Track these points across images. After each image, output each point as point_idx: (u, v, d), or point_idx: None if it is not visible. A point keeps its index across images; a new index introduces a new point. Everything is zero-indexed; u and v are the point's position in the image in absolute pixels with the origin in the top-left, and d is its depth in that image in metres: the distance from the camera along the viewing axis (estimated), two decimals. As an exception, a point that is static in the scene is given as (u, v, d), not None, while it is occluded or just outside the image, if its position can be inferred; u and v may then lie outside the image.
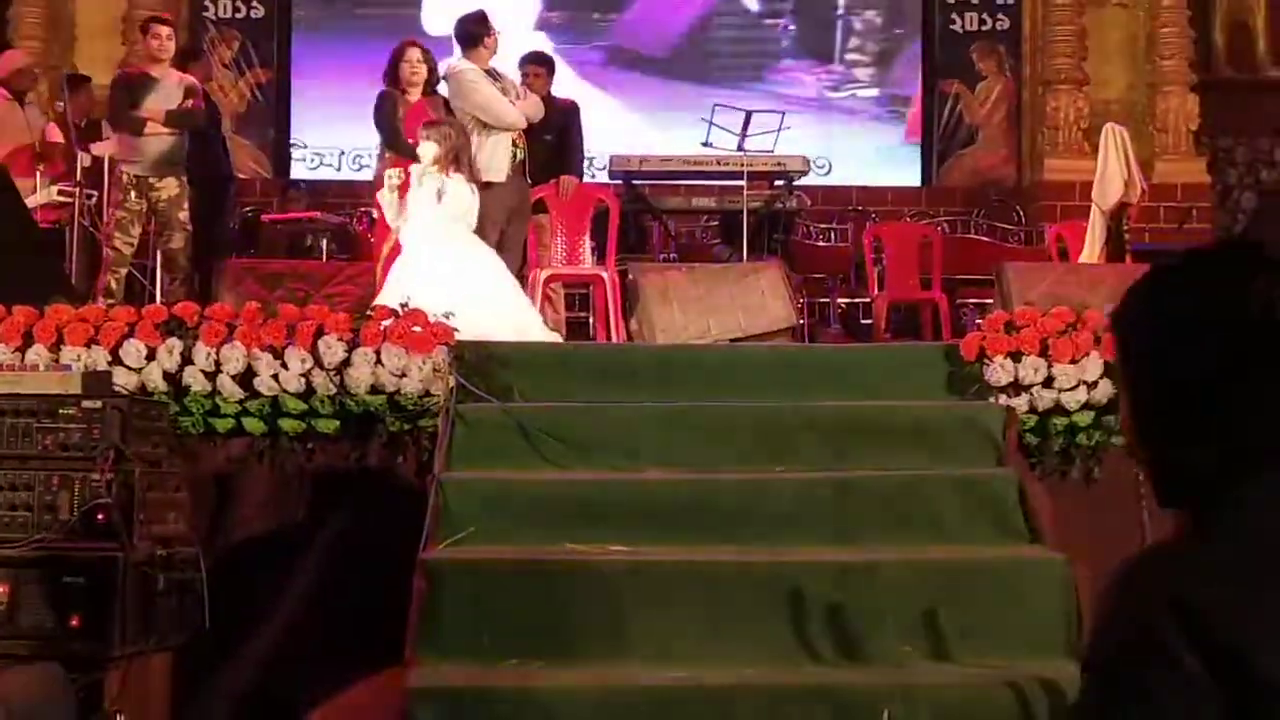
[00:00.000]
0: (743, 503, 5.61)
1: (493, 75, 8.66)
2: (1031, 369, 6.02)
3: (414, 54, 8.55)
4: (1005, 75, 13.11)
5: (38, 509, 4.78)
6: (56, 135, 9.68)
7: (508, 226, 8.36)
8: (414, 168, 7.64)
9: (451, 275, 7.10)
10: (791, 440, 5.93)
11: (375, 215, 8.73)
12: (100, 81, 10.56)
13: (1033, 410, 6.01)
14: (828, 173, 12.71)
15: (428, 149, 7.60)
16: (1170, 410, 1.70)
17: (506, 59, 9.15)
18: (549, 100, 9.21)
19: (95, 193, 9.19)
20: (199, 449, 5.93)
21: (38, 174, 9.17)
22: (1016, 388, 6.03)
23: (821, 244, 11.94)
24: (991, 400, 6.05)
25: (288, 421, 5.94)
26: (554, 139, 9.11)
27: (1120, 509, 5.58)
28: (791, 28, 13.47)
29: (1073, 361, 6.03)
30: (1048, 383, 6.01)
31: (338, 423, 5.94)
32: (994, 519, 5.53)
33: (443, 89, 8.68)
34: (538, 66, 9.32)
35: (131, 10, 12.11)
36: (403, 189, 7.64)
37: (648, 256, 10.65)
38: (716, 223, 11.53)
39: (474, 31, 8.56)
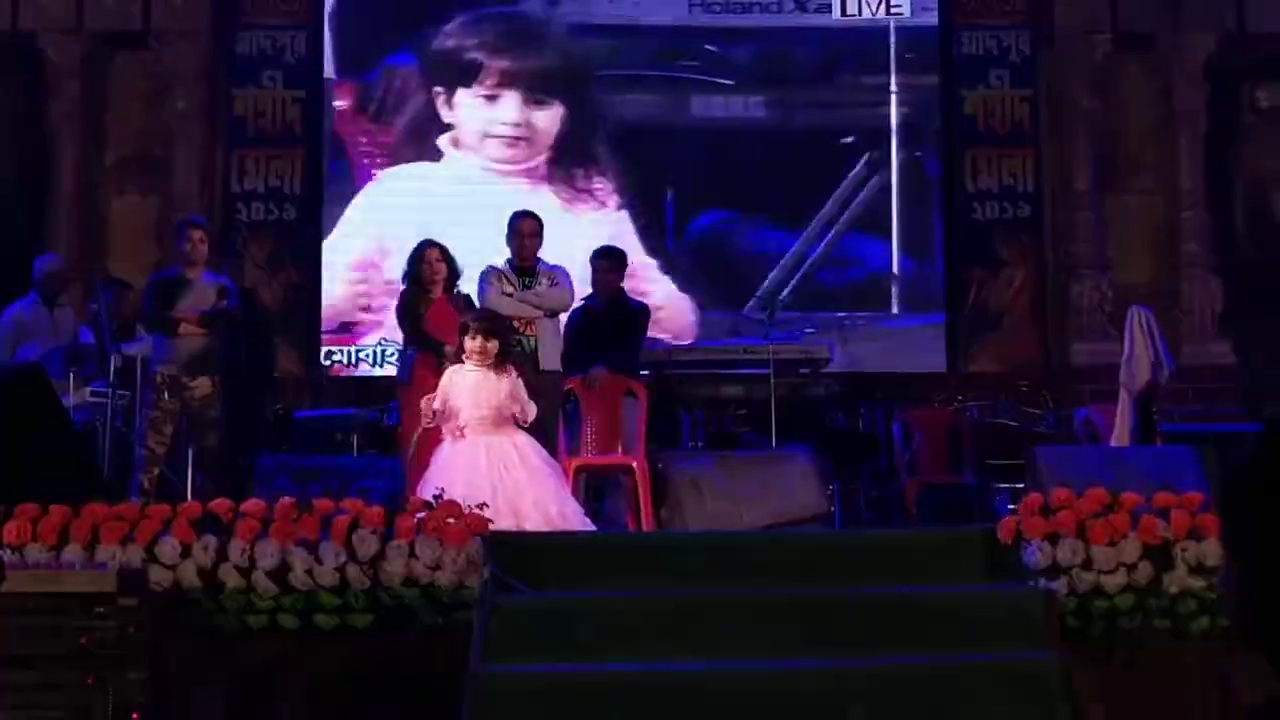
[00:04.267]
0: (780, 692, 5.54)
1: (518, 270, 8.84)
2: (1070, 551, 5.97)
3: (432, 254, 8.75)
4: (1028, 262, 13.22)
5: (72, 709, 4.75)
6: (90, 337, 9.81)
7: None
8: (458, 366, 7.67)
9: (498, 467, 7.11)
10: (829, 627, 5.88)
11: (402, 410, 8.82)
12: (134, 284, 10.72)
13: (1072, 593, 5.95)
14: (854, 359, 12.75)
15: (474, 343, 7.61)
16: None
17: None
18: (620, 296, 9.43)
19: (128, 393, 9.27)
20: (233, 646, 5.90)
21: (71, 375, 9.25)
22: (1055, 571, 5.98)
23: (850, 430, 11.94)
24: (1030, 584, 6.00)
25: (322, 617, 5.91)
26: (620, 335, 9.28)
27: (1166, 692, 5.50)
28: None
29: (1111, 544, 5.99)
30: (1086, 565, 5.96)
31: (372, 617, 5.91)
32: (1038, 705, 5.44)
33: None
34: (606, 261, 9.50)
35: (165, 214, 12.36)
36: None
37: (676, 446, 10.67)
38: (745, 411, 11.56)
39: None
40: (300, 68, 13.19)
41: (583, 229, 12.32)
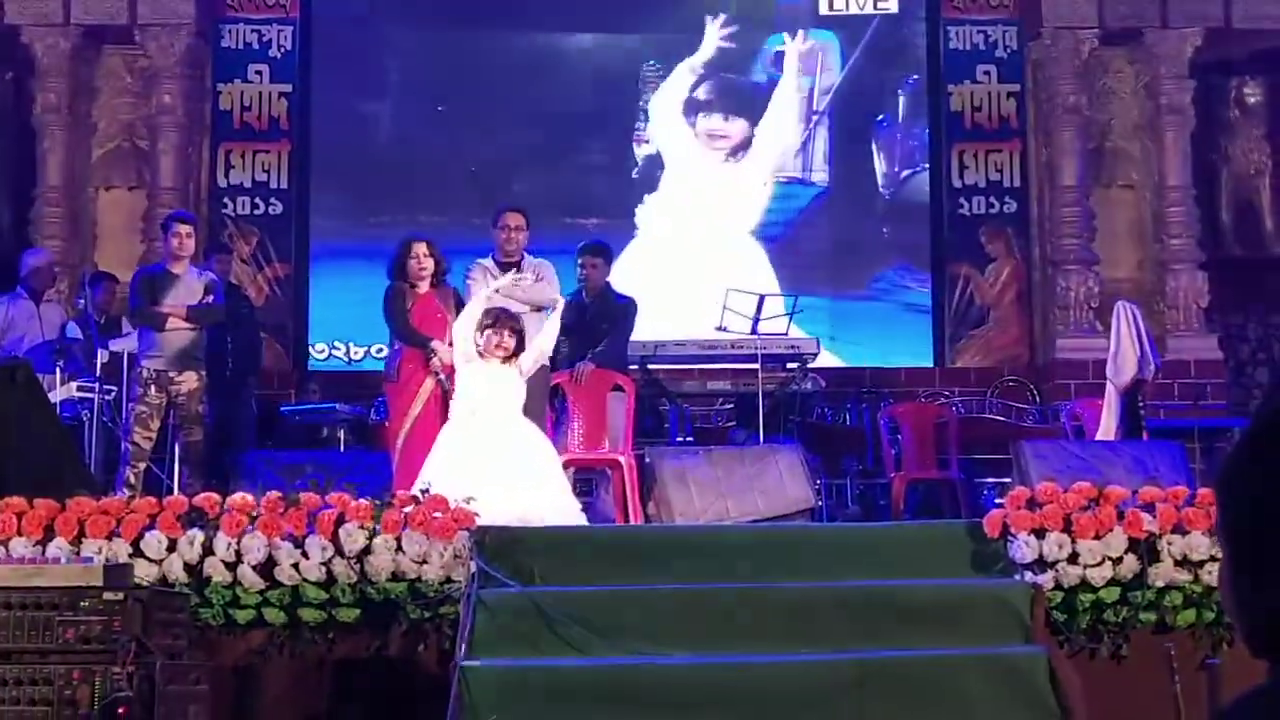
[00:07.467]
0: (767, 686, 5.55)
1: (502, 266, 8.80)
2: (1055, 545, 5.98)
3: (420, 248, 8.66)
4: (1014, 257, 13.24)
5: (58, 703, 4.74)
6: (76, 332, 9.79)
7: None
8: (475, 360, 7.60)
9: (504, 453, 7.08)
10: (815, 621, 5.88)
11: (389, 405, 8.80)
12: (121, 278, 10.70)
13: (1058, 587, 5.97)
14: (841, 354, 12.78)
15: (499, 338, 7.54)
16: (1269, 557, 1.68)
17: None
18: (607, 291, 9.42)
19: (114, 388, 9.25)
20: (219, 640, 5.90)
21: (58, 370, 9.22)
22: (1041, 564, 5.99)
23: (837, 425, 11.95)
24: (1016, 578, 6.01)
25: (308, 611, 5.91)
26: (608, 329, 9.28)
27: (1151, 685, 5.51)
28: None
29: (1096, 537, 6.00)
30: (1072, 559, 5.97)
31: (358, 611, 5.91)
32: (1024, 698, 5.46)
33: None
34: (594, 257, 9.50)
35: (151, 208, 12.33)
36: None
37: (663, 440, 10.66)
38: (732, 405, 11.56)
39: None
40: (286, 61, 13.17)
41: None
